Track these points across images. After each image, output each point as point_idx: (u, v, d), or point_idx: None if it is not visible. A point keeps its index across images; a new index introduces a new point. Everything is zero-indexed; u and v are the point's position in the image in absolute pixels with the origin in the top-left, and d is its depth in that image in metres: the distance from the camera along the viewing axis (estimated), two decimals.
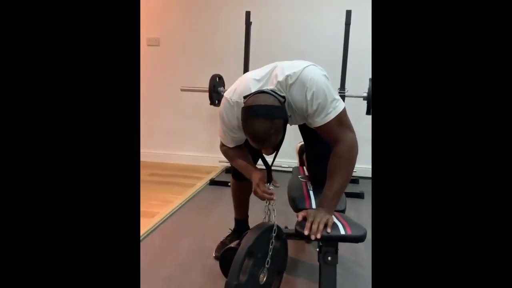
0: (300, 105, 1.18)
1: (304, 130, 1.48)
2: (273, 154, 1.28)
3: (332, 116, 1.17)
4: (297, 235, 1.13)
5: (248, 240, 1.10)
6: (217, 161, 3.10)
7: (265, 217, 1.30)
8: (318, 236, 1.08)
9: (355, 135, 1.22)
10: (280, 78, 1.17)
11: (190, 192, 2.46)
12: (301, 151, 1.92)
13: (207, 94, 2.66)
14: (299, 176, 1.69)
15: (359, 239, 1.10)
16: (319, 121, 1.18)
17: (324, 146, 1.51)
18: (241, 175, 1.43)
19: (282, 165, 2.69)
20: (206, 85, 2.62)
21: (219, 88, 2.66)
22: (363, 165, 2.44)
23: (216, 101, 2.66)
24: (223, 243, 1.68)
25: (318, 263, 1.61)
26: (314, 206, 1.36)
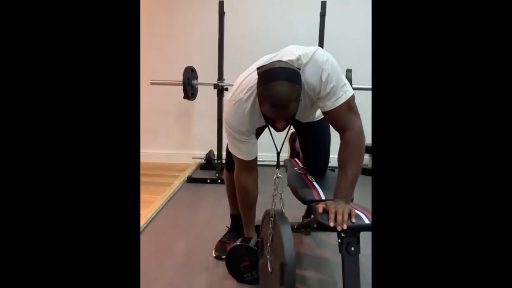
0: (312, 87, 1.14)
1: (296, 122, 1.45)
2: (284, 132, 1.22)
3: (342, 100, 1.15)
4: (321, 227, 1.10)
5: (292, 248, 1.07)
6: (190, 158, 2.99)
7: (273, 205, 1.24)
8: (345, 226, 1.05)
9: (361, 122, 1.21)
10: (292, 58, 1.13)
11: (168, 191, 2.34)
12: (292, 140, 1.89)
13: (177, 88, 2.54)
14: (295, 168, 1.66)
15: None
16: (330, 105, 1.16)
17: (318, 135, 1.51)
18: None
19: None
20: (176, 78, 2.50)
21: (193, 81, 2.56)
22: None
23: (191, 95, 2.56)
24: (222, 242, 1.62)
25: (320, 254, 1.63)
26: (322, 196, 1.34)
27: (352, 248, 1.11)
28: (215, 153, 2.90)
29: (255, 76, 1.17)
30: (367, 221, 1.09)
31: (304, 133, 1.54)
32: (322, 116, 1.51)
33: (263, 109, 1.09)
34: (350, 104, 1.17)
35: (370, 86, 2.10)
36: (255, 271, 1.36)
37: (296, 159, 1.82)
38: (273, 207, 1.16)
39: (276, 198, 1.16)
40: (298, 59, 1.12)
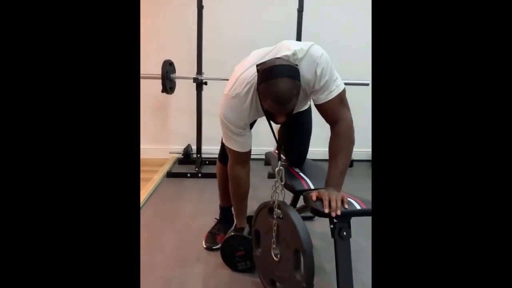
0: (307, 80, 1.19)
1: None
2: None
3: (334, 94, 1.21)
4: (316, 213, 1.16)
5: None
6: (167, 153, 2.96)
7: (275, 195, 1.23)
8: (338, 212, 1.11)
9: (351, 115, 1.28)
10: (288, 53, 1.17)
11: (149, 186, 2.32)
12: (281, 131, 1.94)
13: (152, 82, 2.50)
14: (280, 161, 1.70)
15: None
16: (323, 98, 1.21)
17: (301, 127, 1.57)
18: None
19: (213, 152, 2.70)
20: (151, 72, 2.47)
21: (171, 75, 2.53)
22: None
23: (169, 89, 2.53)
24: (212, 233, 1.64)
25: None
26: (311, 186, 1.40)
27: (344, 233, 1.17)
28: (193, 147, 2.90)
29: (252, 71, 1.20)
30: (358, 207, 1.17)
31: (288, 125, 1.59)
32: (306, 107, 1.57)
33: (264, 105, 1.13)
34: (341, 98, 1.23)
35: (347, 81, 2.17)
36: (249, 260, 1.40)
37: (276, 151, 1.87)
38: (276, 197, 1.19)
39: (278, 189, 1.19)
40: (294, 54, 1.16)
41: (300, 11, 2.49)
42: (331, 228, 1.19)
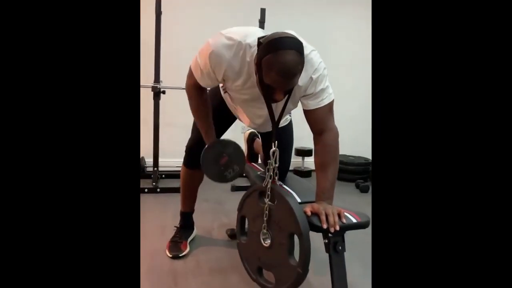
0: (301, 83, 1.16)
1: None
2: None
3: (325, 102, 1.21)
4: (313, 229, 1.13)
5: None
6: None
7: (267, 177, 1.16)
8: (337, 228, 1.10)
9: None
10: None
11: None
12: (250, 139, 1.89)
13: None
14: (258, 173, 1.66)
15: (368, 225, 1.18)
16: (314, 104, 1.21)
17: (285, 140, 1.55)
18: (194, 162, 1.37)
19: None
20: None
21: None
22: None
23: None
24: (174, 242, 1.61)
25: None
26: (298, 199, 1.37)
27: (340, 247, 1.16)
28: (147, 160, 2.72)
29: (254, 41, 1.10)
30: (354, 221, 1.16)
31: (271, 139, 1.55)
32: (287, 122, 1.57)
33: (267, 78, 1.03)
34: (331, 107, 1.24)
35: None
36: (235, 164, 1.31)
37: (253, 163, 1.83)
38: (269, 180, 1.14)
39: (272, 172, 1.14)
40: None
41: (262, 22, 2.49)
42: (325, 243, 1.17)
